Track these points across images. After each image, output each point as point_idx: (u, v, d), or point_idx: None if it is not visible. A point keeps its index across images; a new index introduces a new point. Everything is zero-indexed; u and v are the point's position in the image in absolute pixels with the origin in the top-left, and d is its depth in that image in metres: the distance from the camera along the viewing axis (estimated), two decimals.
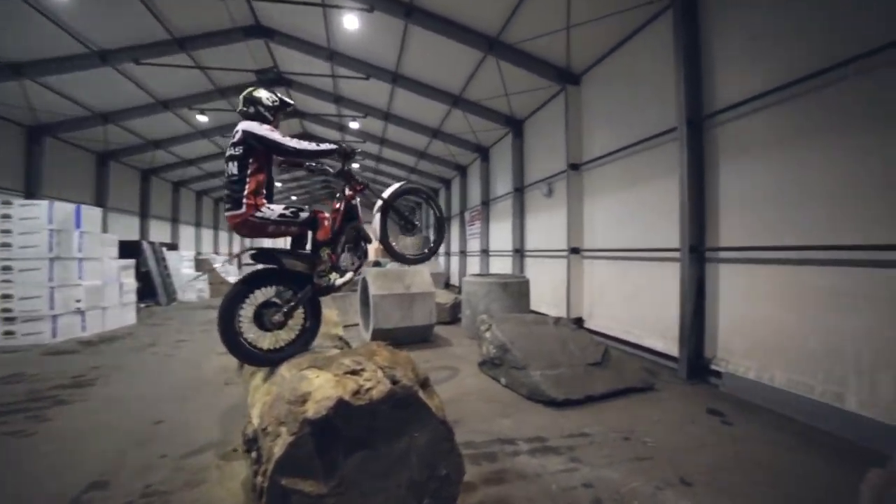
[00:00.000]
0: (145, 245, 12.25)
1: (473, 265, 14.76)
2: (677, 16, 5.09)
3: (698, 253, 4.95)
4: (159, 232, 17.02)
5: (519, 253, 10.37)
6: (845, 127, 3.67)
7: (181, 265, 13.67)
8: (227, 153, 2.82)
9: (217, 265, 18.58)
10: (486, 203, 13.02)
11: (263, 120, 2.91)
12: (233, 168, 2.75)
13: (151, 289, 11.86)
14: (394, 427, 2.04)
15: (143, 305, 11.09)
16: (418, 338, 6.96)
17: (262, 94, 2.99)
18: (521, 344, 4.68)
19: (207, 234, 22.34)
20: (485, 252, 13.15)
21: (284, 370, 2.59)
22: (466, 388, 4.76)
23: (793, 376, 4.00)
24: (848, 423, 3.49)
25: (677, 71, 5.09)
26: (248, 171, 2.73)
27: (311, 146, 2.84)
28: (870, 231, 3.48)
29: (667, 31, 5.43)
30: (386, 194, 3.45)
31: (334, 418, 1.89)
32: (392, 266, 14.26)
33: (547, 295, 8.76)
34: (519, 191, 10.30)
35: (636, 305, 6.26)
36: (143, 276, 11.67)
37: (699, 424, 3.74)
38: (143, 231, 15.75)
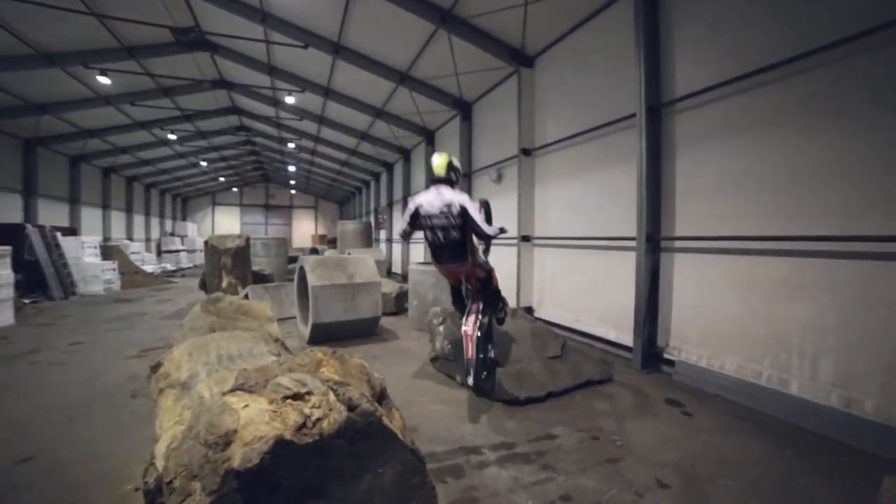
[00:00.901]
0: (30, 229, 10.28)
1: (417, 253, 14.32)
2: (638, 1, 4.95)
3: (654, 242, 4.95)
4: (54, 214, 14.44)
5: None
6: (800, 119, 3.73)
7: (82, 253, 11.71)
8: (444, 221, 3.53)
9: (133, 252, 16.34)
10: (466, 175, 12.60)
11: (452, 184, 3.72)
12: (456, 234, 3.53)
13: (40, 281, 10.02)
14: (352, 465, 1.59)
15: (27, 301, 9.33)
16: (363, 332, 6.44)
17: (455, 161, 3.80)
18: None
19: (118, 215, 19.52)
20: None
21: (203, 387, 2.02)
22: (420, 388, 4.38)
23: (742, 363, 4.10)
24: (792, 408, 3.61)
25: (637, 57, 4.97)
26: (467, 235, 3.56)
27: (496, 229, 3.59)
28: (818, 222, 3.58)
29: (626, 16, 5.31)
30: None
31: (272, 465, 1.39)
32: (331, 253, 13.44)
33: None
34: (467, 176, 9.98)
35: (588, 294, 6.24)
36: (27, 266, 9.82)
37: (661, 417, 3.69)
38: (30, 213, 13.26)
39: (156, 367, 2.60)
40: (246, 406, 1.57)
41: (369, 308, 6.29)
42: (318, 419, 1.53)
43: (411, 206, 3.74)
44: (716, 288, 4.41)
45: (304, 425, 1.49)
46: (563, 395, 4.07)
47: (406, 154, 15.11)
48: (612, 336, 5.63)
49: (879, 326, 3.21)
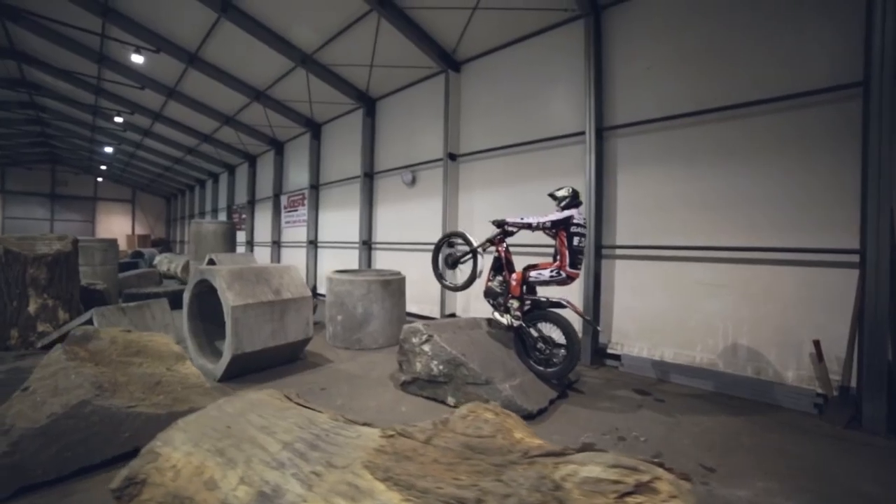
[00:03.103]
0: None
1: (292, 257, 12.66)
2: (588, 32, 5.48)
3: (597, 249, 5.51)
4: None
5: (367, 245, 9.40)
6: (716, 155, 4.73)
7: None
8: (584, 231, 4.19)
9: None
10: (315, 187, 11.28)
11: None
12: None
13: None
14: None
15: None
16: (288, 357, 5.31)
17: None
18: (473, 355, 4.08)
19: None
20: (312, 243, 11.41)
21: None
22: (411, 418, 3.82)
23: (678, 350, 4.92)
24: (721, 381, 4.52)
25: (587, 83, 5.50)
26: None
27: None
28: (730, 235, 4.59)
29: (569, 41, 5.82)
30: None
31: None
32: (163, 259, 10.56)
33: (413, 291, 8.24)
34: (368, 176, 9.30)
35: None
36: None
37: (646, 407, 4.10)
38: None
39: (131, 488, 1.50)
40: None
41: (300, 329, 5.18)
42: None
43: (563, 214, 4.07)
44: (651, 289, 5.19)
45: None
46: (558, 401, 4.15)
47: (279, 146, 13.21)
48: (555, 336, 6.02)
49: (774, 314, 4.31)
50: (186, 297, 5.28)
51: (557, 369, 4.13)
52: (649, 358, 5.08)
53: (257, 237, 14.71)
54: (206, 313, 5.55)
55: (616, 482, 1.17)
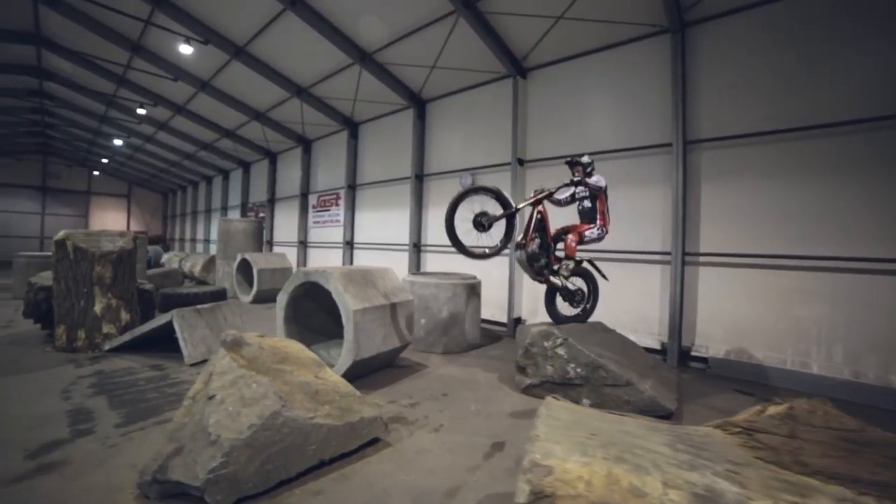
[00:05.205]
0: None
1: (321, 259, 12.47)
2: (676, 48, 5.72)
3: (682, 255, 5.76)
4: None
5: (417, 247, 9.40)
6: (799, 170, 5.05)
7: None
8: None
9: None
10: (352, 187, 11.15)
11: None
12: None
13: None
14: None
15: None
16: (386, 363, 5.31)
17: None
18: (608, 357, 4.23)
19: None
20: (349, 244, 11.28)
21: None
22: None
23: (768, 353, 5.22)
24: (814, 383, 4.83)
25: (674, 97, 5.74)
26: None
27: None
28: (816, 246, 4.91)
29: (650, 55, 6.06)
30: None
31: None
32: (270, 258, 10.25)
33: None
34: (419, 178, 9.31)
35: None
36: None
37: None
38: None
39: (542, 501, 1.52)
40: None
41: (403, 333, 5.18)
42: None
43: (604, 180, 4.60)
44: (737, 294, 5.48)
45: None
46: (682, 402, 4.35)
47: (307, 144, 12.95)
48: (641, 341, 6.24)
49: (871, 320, 4.66)
50: (283, 300, 5.18)
51: (582, 311, 4.99)
52: (737, 360, 5.36)
53: (277, 237, 14.37)
54: (298, 317, 5.47)
55: None
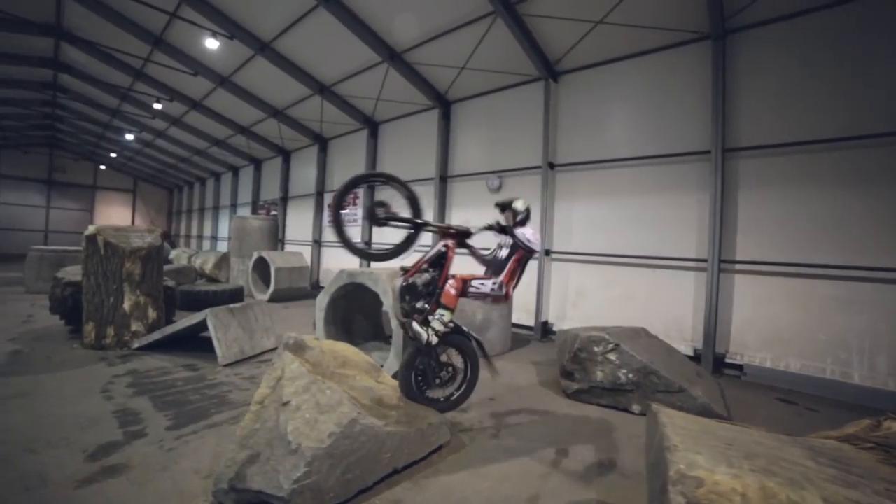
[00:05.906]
0: None
1: (336, 258, 12.37)
2: (717, 55, 5.70)
3: (717, 263, 5.74)
4: None
5: None
6: (846, 180, 5.03)
7: None
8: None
9: None
10: (371, 186, 11.07)
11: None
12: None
13: None
14: None
15: None
16: None
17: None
18: (659, 363, 4.20)
19: None
20: (367, 245, 11.20)
21: None
22: (605, 428, 3.88)
23: (806, 362, 5.20)
24: (856, 393, 4.82)
25: (714, 104, 5.72)
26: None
27: None
28: (856, 256, 4.91)
29: (689, 61, 6.05)
30: None
31: None
32: (287, 256, 10.22)
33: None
34: (443, 179, 9.26)
35: (628, 308, 6.68)
36: None
37: (803, 416, 4.32)
38: None
39: None
40: None
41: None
42: None
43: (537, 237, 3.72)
44: (774, 303, 5.46)
45: None
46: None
47: (324, 143, 12.86)
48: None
49: None
50: (324, 301, 5.12)
51: (454, 399, 3.75)
52: (773, 368, 5.34)
53: (290, 235, 14.25)
54: (337, 319, 5.41)
55: None
